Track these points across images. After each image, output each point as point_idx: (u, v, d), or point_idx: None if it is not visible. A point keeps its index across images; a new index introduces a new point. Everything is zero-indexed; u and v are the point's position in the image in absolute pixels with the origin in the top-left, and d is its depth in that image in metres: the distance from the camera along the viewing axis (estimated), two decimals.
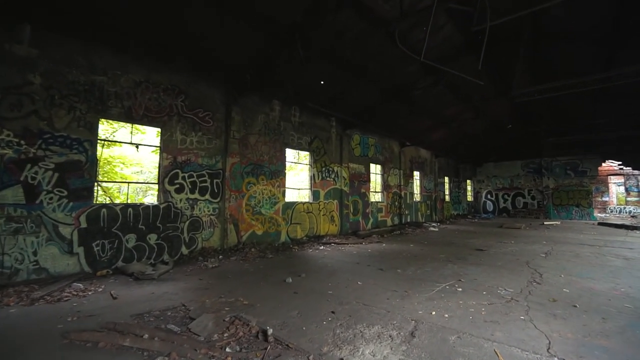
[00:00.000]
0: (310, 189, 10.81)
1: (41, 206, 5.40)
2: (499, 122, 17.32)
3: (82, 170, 5.86)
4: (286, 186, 9.86)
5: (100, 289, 4.91)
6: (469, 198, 25.25)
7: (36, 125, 5.43)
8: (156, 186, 7.23)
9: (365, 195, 13.12)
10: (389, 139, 15.07)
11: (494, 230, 13.99)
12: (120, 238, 6.22)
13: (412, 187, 16.84)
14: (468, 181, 25.25)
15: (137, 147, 6.79)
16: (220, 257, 7.16)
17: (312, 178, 10.82)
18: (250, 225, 8.61)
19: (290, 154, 10.49)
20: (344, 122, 11.84)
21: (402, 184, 15.71)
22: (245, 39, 7.07)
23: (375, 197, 14.31)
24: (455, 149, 19.94)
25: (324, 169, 11.19)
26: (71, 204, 5.69)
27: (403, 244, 9.74)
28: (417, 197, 17.50)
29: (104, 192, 7.08)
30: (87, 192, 5.91)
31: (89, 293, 4.71)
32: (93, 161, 6.04)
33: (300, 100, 9.84)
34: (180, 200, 7.19)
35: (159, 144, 7.06)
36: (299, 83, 9.05)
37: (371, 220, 13.38)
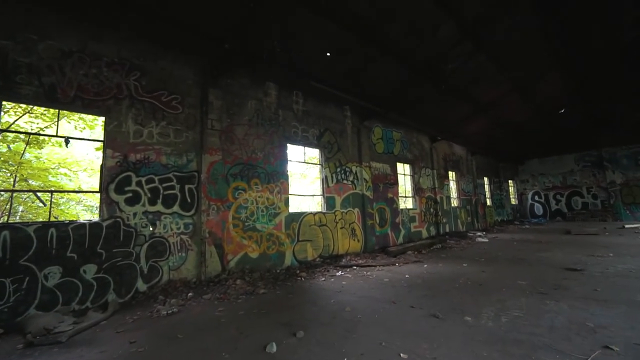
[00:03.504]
0: (323, 194, 8.49)
1: None
2: (548, 106, 14.25)
3: None
4: (290, 192, 7.62)
5: None
6: (513, 201, 21.84)
7: None
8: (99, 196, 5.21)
9: (393, 202, 10.59)
10: (417, 133, 12.55)
11: (563, 238, 10.91)
12: (35, 274, 4.18)
13: (448, 190, 14.06)
14: (510, 182, 21.92)
15: (66, 141, 4.83)
16: (190, 294, 4.95)
17: (324, 181, 8.51)
18: (241, 246, 6.38)
19: (294, 151, 8.28)
20: (361, 110, 9.55)
21: (436, 186, 12.99)
22: None
23: (406, 203, 11.71)
24: (493, 144, 16.97)
25: (339, 169, 8.87)
26: None
27: (452, 264, 7.11)
28: (454, 201, 14.67)
29: (40, 200, 5.13)
30: None
31: None
32: None
33: (303, 82, 7.69)
34: (135, 214, 5.12)
35: (102, 138, 5.10)
36: (298, 55, 6.93)
37: (403, 232, 10.76)
